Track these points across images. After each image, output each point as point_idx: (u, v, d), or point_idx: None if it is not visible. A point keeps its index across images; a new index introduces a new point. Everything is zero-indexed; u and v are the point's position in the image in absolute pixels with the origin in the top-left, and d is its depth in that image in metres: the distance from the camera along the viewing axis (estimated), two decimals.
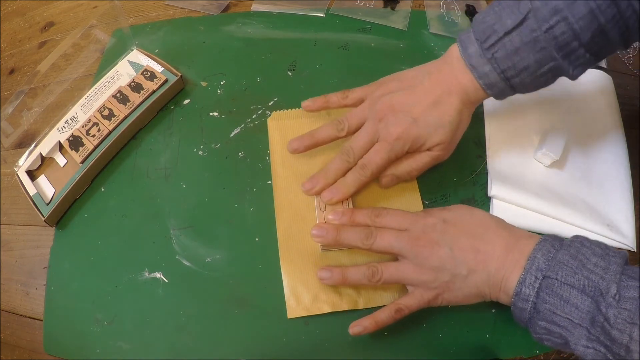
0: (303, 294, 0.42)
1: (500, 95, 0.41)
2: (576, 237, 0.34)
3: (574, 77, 0.39)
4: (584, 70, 0.38)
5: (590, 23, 0.34)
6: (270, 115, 0.53)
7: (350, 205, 0.44)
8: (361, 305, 0.42)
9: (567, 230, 0.46)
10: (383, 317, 0.38)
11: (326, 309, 0.42)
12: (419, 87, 0.42)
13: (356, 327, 0.38)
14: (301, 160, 0.49)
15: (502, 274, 0.34)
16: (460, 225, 0.37)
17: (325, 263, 0.44)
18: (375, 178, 0.44)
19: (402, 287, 0.42)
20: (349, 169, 0.43)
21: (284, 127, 0.51)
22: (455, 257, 0.36)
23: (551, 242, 0.33)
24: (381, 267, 0.38)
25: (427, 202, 0.48)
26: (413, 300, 0.38)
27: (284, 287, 0.43)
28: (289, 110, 0.53)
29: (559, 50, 0.36)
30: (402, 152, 0.42)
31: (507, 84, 0.39)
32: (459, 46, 0.40)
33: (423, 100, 0.41)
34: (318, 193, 0.44)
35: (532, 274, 0.32)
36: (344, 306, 0.42)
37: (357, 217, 0.41)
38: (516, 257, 0.34)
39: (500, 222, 0.38)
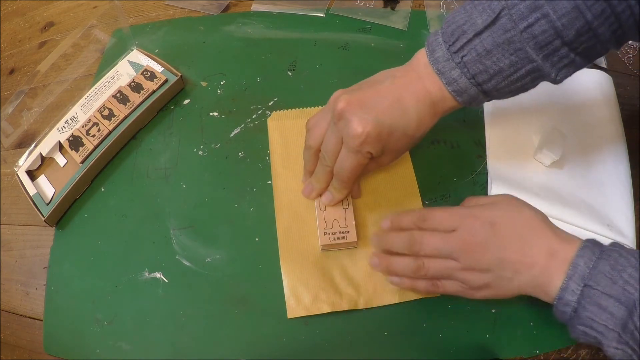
0: (303, 294, 0.42)
1: (472, 102, 0.38)
2: (613, 245, 0.35)
3: (557, 81, 0.36)
4: (569, 74, 0.36)
5: (575, 20, 0.32)
6: (270, 115, 0.53)
7: (350, 206, 0.45)
8: (361, 305, 0.42)
9: (567, 230, 0.46)
10: (421, 286, 0.39)
11: (326, 308, 0.42)
12: (381, 86, 0.38)
13: (394, 279, 0.40)
14: (301, 160, 0.49)
15: (546, 277, 0.34)
16: (508, 227, 0.36)
17: (325, 262, 0.44)
18: (355, 180, 0.42)
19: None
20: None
21: (284, 127, 0.51)
22: (502, 260, 0.35)
23: (591, 248, 0.34)
24: (427, 263, 0.38)
25: (427, 202, 0.48)
26: (454, 288, 0.38)
27: (284, 287, 0.43)
28: (289, 110, 0.53)
29: (539, 51, 0.33)
30: (368, 152, 0.38)
31: (479, 90, 0.36)
32: (426, 50, 0.37)
33: (384, 99, 0.37)
34: (317, 197, 0.45)
35: (574, 282, 0.33)
36: (344, 306, 0.42)
37: (403, 222, 0.40)
38: (559, 262, 0.34)
39: (545, 221, 0.37)
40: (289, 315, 0.42)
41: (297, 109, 0.53)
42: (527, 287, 0.36)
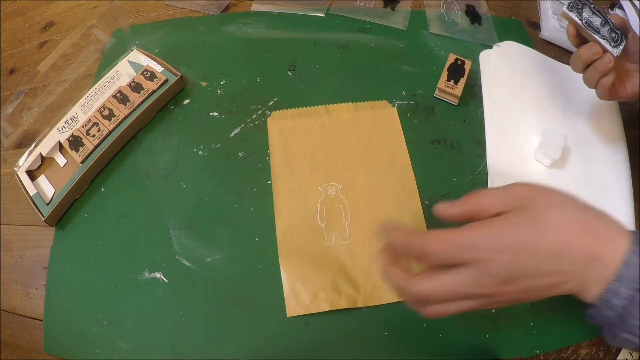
0: (302, 293, 0.42)
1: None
2: None
3: None
4: None
5: None
6: (270, 115, 0.53)
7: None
8: (360, 303, 0.42)
9: None
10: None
11: (325, 307, 0.42)
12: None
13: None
14: (301, 160, 0.49)
15: (584, 285, 0.30)
16: (532, 251, 0.29)
17: (324, 261, 0.44)
18: None
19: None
20: None
21: (284, 127, 0.52)
22: (532, 288, 0.30)
23: None
24: (438, 310, 0.32)
25: (427, 202, 0.48)
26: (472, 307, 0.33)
27: (283, 286, 0.43)
28: (289, 110, 0.53)
29: None
30: None
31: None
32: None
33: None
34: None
35: (626, 285, 0.28)
36: (343, 304, 0.42)
37: (398, 249, 0.33)
38: (601, 269, 0.29)
39: (582, 221, 0.30)
40: (288, 314, 0.42)
41: (297, 108, 0.53)
42: (561, 292, 0.31)
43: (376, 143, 0.51)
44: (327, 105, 0.53)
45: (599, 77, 0.43)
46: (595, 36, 0.41)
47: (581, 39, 0.44)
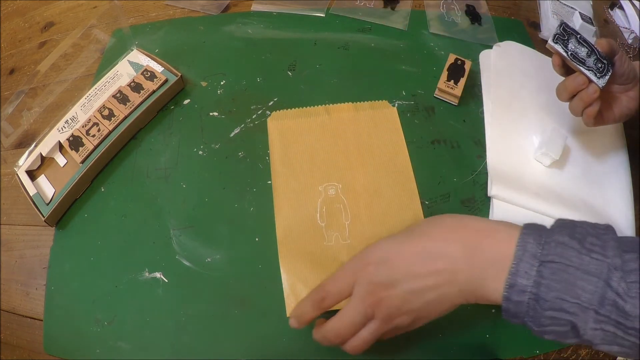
0: (302, 293, 0.42)
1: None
2: (561, 219, 0.31)
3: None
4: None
5: None
6: (270, 115, 0.53)
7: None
8: None
9: None
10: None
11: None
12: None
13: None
14: (301, 160, 0.49)
15: (476, 278, 0.31)
16: (405, 250, 0.32)
17: (324, 261, 0.44)
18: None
19: None
20: None
21: (284, 127, 0.52)
22: (414, 289, 0.32)
23: (536, 227, 0.30)
24: (353, 343, 0.34)
25: (426, 202, 0.48)
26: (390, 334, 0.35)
27: (283, 286, 0.43)
28: (289, 110, 0.53)
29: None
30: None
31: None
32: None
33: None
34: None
35: (526, 262, 0.28)
36: (343, 304, 0.41)
37: (306, 317, 0.35)
38: (486, 255, 0.30)
39: (459, 228, 0.32)
40: (289, 314, 0.42)
41: (297, 108, 0.53)
42: (461, 298, 0.32)
43: (376, 143, 0.51)
44: (327, 105, 0.53)
45: (584, 107, 0.44)
46: (581, 68, 0.42)
47: (567, 69, 0.44)
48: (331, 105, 0.53)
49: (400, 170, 0.49)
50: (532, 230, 0.30)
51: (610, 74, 0.42)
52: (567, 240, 0.28)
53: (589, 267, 0.27)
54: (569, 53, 0.42)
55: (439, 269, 0.31)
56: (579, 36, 0.42)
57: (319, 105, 0.53)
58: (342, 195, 0.47)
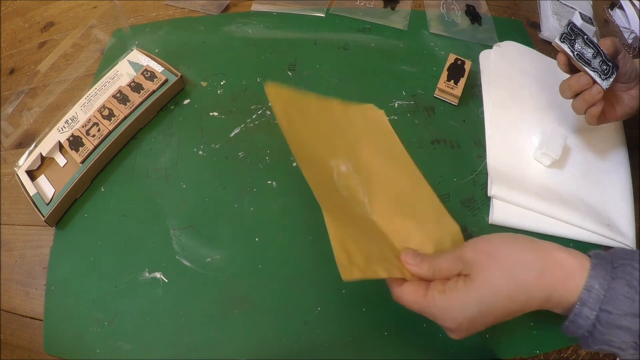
0: (355, 252, 0.34)
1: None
2: (621, 256, 0.32)
3: None
4: None
5: None
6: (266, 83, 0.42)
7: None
8: (408, 276, 0.37)
9: (567, 230, 0.46)
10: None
11: (382, 273, 0.35)
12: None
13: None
14: (307, 132, 0.42)
15: (547, 308, 0.33)
16: (486, 315, 0.33)
17: (366, 226, 0.40)
18: None
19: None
20: None
21: (284, 99, 0.43)
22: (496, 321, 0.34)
23: (603, 266, 0.32)
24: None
25: None
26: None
27: (332, 241, 0.34)
28: (285, 89, 0.44)
29: None
30: None
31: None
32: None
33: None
34: None
35: (588, 307, 0.31)
36: (396, 272, 0.36)
37: None
38: (559, 297, 0.32)
39: (521, 269, 0.33)
40: (344, 277, 0.32)
41: (292, 89, 0.44)
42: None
43: (370, 136, 0.47)
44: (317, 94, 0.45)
45: (587, 107, 0.44)
46: (586, 68, 0.42)
47: (572, 68, 0.44)
48: (321, 95, 0.46)
49: (403, 163, 0.47)
50: (598, 272, 0.32)
51: (614, 76, 0.42)
52: (626, 290, 0.30)
53: (637, 312, 0.30)
54: (575, 53, 0.42)
55: (515, 312, 0.34)
56: (586, 37, 0.42)
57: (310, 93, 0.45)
58: (354, 172, 0.43)
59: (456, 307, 0.33)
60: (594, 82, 0.42)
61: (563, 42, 0.42)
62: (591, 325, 0.31)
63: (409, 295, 0.35)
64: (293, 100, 0.45)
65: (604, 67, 0.42)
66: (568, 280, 0.32)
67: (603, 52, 0.42)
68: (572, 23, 0.43)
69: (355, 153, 0.46)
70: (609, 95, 0.46)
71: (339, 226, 0.36)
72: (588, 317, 0.31)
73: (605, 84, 0.42)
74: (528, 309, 0.33)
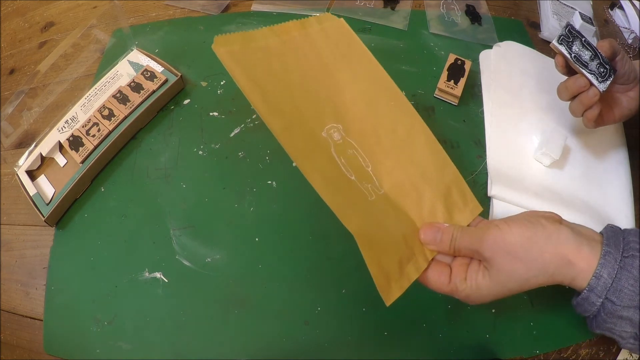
0: (389, 266, 0.34)
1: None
2: (633, 238, 0.33)
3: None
4: None
5: None
6: (213, 42, 0.41)
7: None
8: (429, 255, 0.37)
9: None
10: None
11: (414, 275, 0.35)
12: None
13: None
14: (281, 97, 0.39)
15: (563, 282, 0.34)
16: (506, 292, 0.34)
17: (380, 216, 0.37)
18: None
19: None
20: None
21: (238, 56, 0.41)
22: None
23: (613, 254, 0.32)
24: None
25: None
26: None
27: (369, 266, 0.33)
28: (231, 34, 0.41)
29: None
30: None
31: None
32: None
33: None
34: None
35: (596, 294, 0.32)
36: (423, 264, 0.36)
37: None
38: (576, 279, 0.33)
39: (545, 260, 0.33)
40: (387, 303, 0.33)
41: (239, 32, 0.42)
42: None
43: (345, 63, 0.44)
44: (270, 26, 0.43)
45: (584, 109, 0.44)
46: (583, 70, 0.42)
47: (569, 69, 0.45)
48: (275, 25, 0.43)
49: (385, 85, 0.44)
50: (608, 260, 0.32)
51: (611, 79, 0.42)
52: (631, 284, 0.31)
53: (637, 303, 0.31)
54: (573, 55, 0.42)
55: (535, 283, 0.34)
56: (583, 39, 0.43)
57: (262, 27, 0.42)
58: (348, 137, 0.40)
59: (477, 295, 0.35)
60: (591, 84, 0.43)
61: (561, 44, 0.43)
62: (596, 311, 0.33)
63: (433, 281, 0.36)
64: (249, 53, 0.41)
65: (602, 70, 0.42)
66: (579, 275, 0.33)
67: (601, 55, 0.42)
68: (570, 25, 0.43)
69: (339, 96, 0.42)
70: (606, 98, 0.46)
71: (372, 244, 0.35)
72: (594, 304, 0.33)
73: (602, 87, 0.42)
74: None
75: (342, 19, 0.48)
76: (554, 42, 0.43)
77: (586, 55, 0.42)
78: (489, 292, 0.34)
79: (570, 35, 0.43)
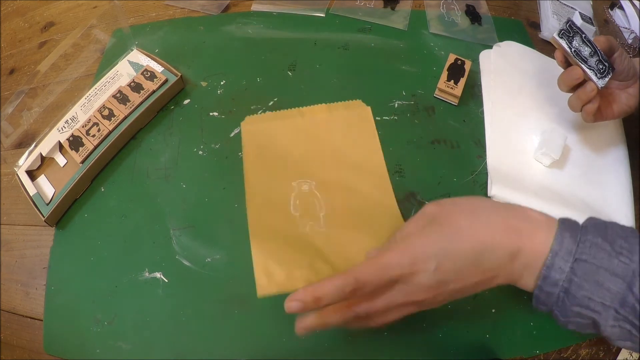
0: (275, 271, 0.41)
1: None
2: (592, 218, 0.32)
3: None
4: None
5: None
6: (244, 120, 0.53)
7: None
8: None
9: None
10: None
11: (301, 285, 0.36)
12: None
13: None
14: (273, 159, 0.50)
15: (516, 276, 0.32)
16: (453, 258, 0.31)
17: (299, 244, 0.43)
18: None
19: None
20: None
21: (257, 130, 0.52)
22: (463, 289, 0.33)
23: (571, 223, 0.31)
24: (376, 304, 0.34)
25: (425, 202, 0.47)
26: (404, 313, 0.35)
27: (254, 265, 0.42)
28: (263, 114, 0.53)
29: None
30: None
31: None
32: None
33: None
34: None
35: (561, 257, 0.30)
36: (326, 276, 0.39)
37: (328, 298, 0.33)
38: (526, 258, 0.31)
39: (495, 222, 0.32)
40: (259, 294, 0.41)
41: (271, 112, 0.53)
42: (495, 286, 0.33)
43: (350, 143, 0.51)
44: (300, 107, 0.53)
45: (582, 104, 0.44)
46: (582, 66, 0.43)
47: (568, 64, 0.45)
48: (304, 107, 0.53)
49: (374, 169, 0.49)
50: (568, 226, 0.31)
51: (610, 76, 0.43)
52: (600, 241, 0.30)
53: (617, 270, 0.29)
54: (573, 50, 0.43)
55: (485, 269, 0.32)
56: (584, 35, 0.43)
57: (293, 108, 0.53)
58: (316, 190, 0.47)
59: (417, 244, 0.32)
60: (590, 79, 0.43)
61: (561, 37, 0.43)
62: (567, 280, 0.30)
63: (364, 268, 0.32)
64: (266, 130, 0.51)
65: (600, 67, 0.42)
66: (536, 231, 0.31)
67: (600, 52, 0.43)
68: (571, 21, 0.43)
69: (327, 165, 0.49)
70: (606, 94, 0.47)
71: (265, 249, 0.43)
72: (562, 269, 0.30)
73: (600, 83, 0.43)
74: (496, 280, 0.32)
75: (369, 107, 0.53)
76: (555, 35, 0.43)
77: (586, 51, 0.43)
78: (429, 244, 0.32)
79: (571, 30, 0.43)
